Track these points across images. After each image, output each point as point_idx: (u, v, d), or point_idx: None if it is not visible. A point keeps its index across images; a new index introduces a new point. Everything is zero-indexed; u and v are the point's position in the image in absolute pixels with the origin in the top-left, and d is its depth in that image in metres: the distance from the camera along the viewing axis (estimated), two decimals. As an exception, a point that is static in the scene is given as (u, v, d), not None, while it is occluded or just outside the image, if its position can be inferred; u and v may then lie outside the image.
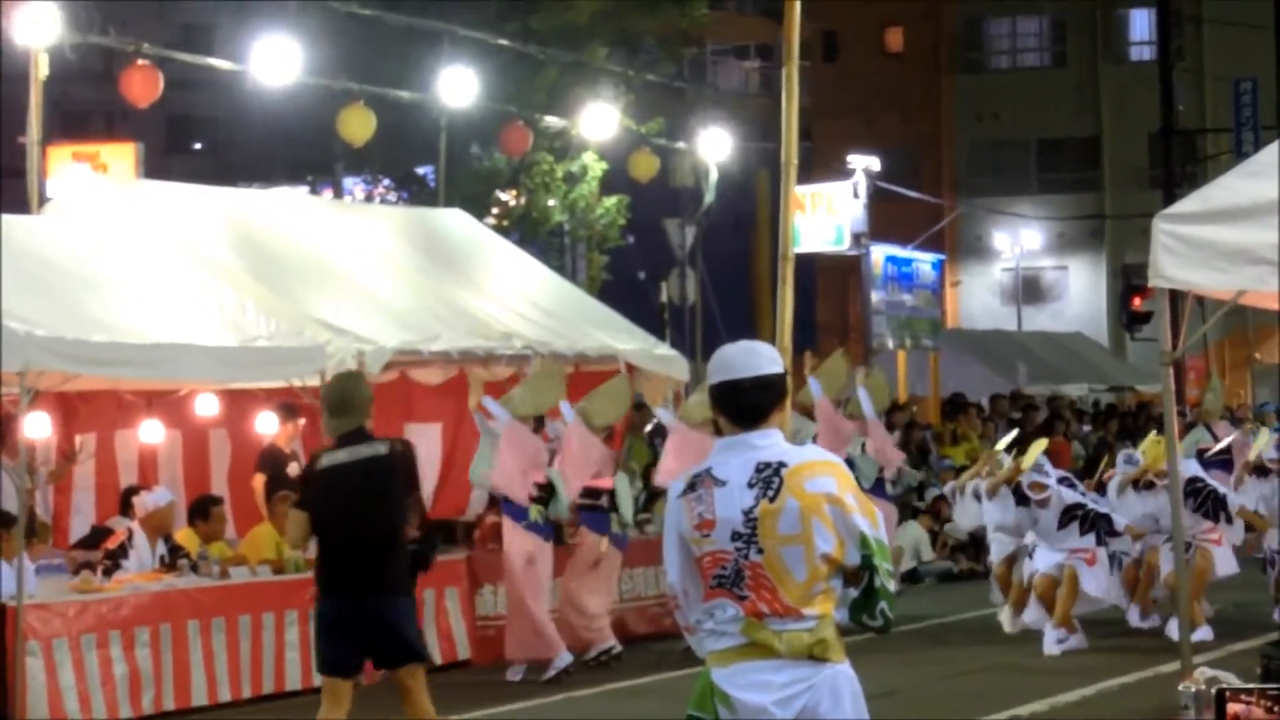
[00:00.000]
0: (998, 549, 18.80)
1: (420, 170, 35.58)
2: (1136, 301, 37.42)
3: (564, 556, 17.07)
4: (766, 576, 6.37)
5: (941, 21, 60.04)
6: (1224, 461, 19.86)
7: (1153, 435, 18.73)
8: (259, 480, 16.99)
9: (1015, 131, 58.71)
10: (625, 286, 36.05)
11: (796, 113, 10.14)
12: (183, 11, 53.38)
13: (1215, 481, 18.08)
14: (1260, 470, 18.61)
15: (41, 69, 18.34)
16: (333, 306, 16.99)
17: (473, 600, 17.08)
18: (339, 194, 35.99)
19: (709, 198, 30.57)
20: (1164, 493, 16.98)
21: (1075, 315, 55.80)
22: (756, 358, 6.56)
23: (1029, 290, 57.50)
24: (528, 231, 33.96)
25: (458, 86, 23.97)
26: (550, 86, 32.44)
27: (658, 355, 20.02)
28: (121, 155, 24.45)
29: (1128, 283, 40.29)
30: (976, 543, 23.72)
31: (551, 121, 29.27)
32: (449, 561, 16.72)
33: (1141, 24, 58.04)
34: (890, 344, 32.93)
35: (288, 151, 38.26)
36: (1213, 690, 9.46)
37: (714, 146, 29.07)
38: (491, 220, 31.67)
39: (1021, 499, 17.58)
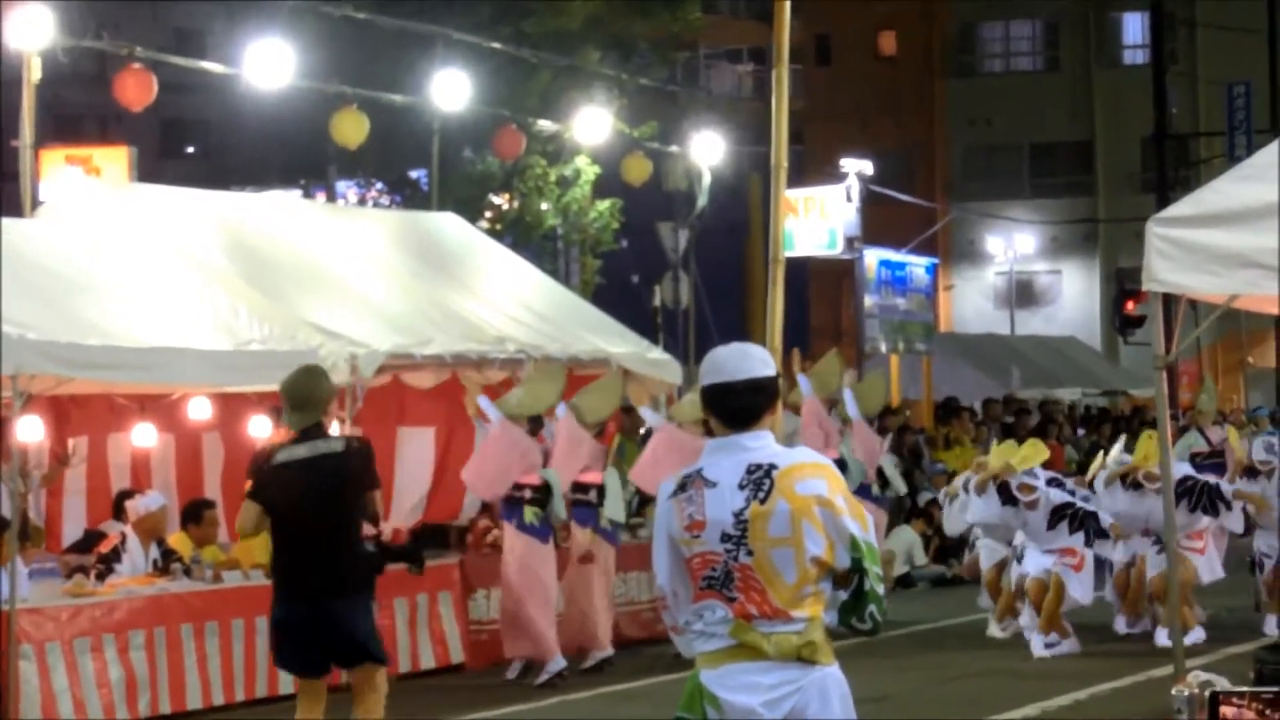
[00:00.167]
0: (987, 555, 18.83)
1: (413, 174, 35.58)
2: (1129, 305, 37.42)
3: (565, 559, 17.05)
4: (756, 578, 6.37)
5: (935, 25, 60.07)
6: (1216, 465, 19.85)
7: (1146, 432, 18.75)
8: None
9: (1008, 135, 58.73)
10: (618, 290, 36.02)
11: (786, 116, 10.11)
12: (176, 15, 53.32)
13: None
14: (1250, 472, 18.62)
15: (34, 72, 18.34)
16: (326, 310, 16.98)
17: (466, 605, 17.07)
18: (332, 198, 35.92)
19: (702, 201, 30.52)
20: (1153, 495, 16.98)
21: (1068, 319, 55.80)
22: (749, 360, 6.57)
23: (1022, 294, 57.51)
24: (521, 235, 33.91)
25: (451, 90, 23.95)
26: (543, 90, 32.44)
27: (651, 359, 20.00)
28: (115, 159, 24.38)
29: (1121, 287, 40.28)
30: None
31: (544, 125, 29.25)
32: (442, 566, 16.72)
33: (1134, 28, 58.12)
34: (883, 348, 32.94)
35: (281, 155, 38.19)
36: (1206, 694, 9.47)
37: (707, 150, 29.04)
38: (484, 224, 31.64)
39: (1009, 499, 17.59)
